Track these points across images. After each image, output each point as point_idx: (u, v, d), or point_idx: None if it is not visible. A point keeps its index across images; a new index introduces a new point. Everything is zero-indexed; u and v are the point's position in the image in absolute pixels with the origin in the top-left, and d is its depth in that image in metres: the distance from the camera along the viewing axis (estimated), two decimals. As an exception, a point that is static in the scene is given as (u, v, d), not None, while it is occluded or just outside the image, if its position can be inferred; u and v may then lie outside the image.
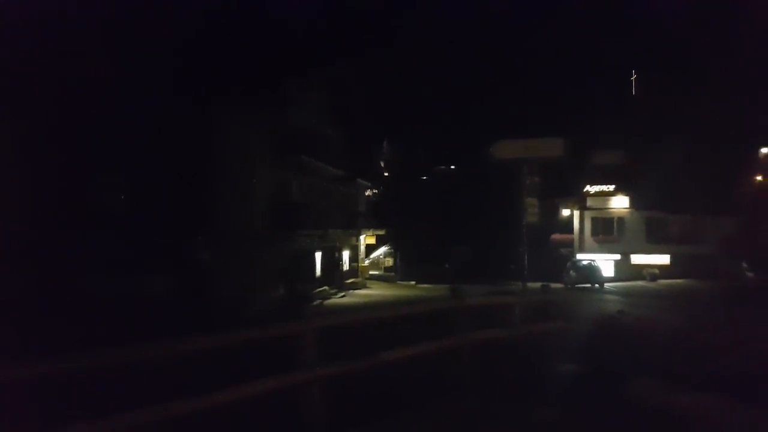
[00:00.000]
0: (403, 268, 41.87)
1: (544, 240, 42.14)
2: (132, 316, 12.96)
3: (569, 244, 41.07)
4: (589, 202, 39.54)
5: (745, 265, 32.60)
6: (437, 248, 40.91)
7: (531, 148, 9.47)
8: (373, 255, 44.85)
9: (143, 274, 17.72)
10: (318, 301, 25.77)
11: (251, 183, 22.04)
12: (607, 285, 32.43)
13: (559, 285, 31.13)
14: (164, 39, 18.46)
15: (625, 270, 37.37)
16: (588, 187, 39.55)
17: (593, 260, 34.72)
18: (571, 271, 32.95)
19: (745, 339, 9.54)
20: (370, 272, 40.35)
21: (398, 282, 39.18)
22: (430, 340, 7.41)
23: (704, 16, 47.36)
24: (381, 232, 40.52)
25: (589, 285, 31.55)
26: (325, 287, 28.36)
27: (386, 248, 45.32)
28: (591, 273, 32.36)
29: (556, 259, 38.34)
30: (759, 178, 42.64)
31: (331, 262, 30.94)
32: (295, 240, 24.30)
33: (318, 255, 28.82)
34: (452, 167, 50.55)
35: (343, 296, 29.32)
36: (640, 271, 36.94)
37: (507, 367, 8.26)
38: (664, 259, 37.48)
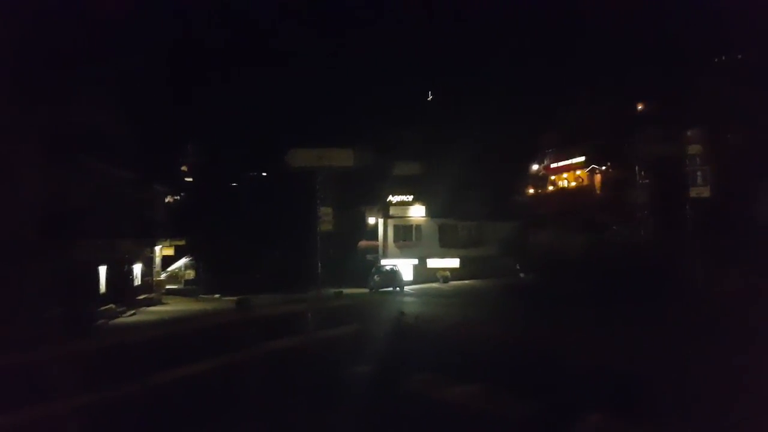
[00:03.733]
0: (207, 280, 39.71)
1: (352, 246, 43.76)
2: None
3: (375, 250, 43.06)
4: (392, 211, 41.92)
5: (518, 266, 37.37)
6: (247, 257, 39.69)
7: (324, 157, 9.63)
8: (172, 267, 41.79)
9: None
10: (102, 321, 23.12)
11: (16, 185, 18.88)
12: (407, 288, 34.33)
13: (365, 290, 32.41)
14: None
15: (422, 273, 40.29)
16: (390, 197, 41.94)
17: (395, 265, 36.66)
18: (375, 276, 34.24)
19: (507, 333, 10.83)
20: (168, 286, 37.47)
21: (200, 296, 37.03)
22: (213, 356, 7.03)
23: (495, 40, 53.70)
24: (180, 242, 37.94)
25: (391, 288, 33.03)
26: (112, 305, 25.53)
27: (187, 259, 42.56)
28: (393, 277, 33.94)
29: (363, 264, 39.96)
30: (531, 190, 49.74)
31: (120, 276, 27.98)
32: (74, 251, 21.41)
33: (103, 269, 25.83)
34: (263, 173, 49.65)
35: (134, 314, 26.72)
36: (435, 273, 40.14)
37: (301, 375, 8.22)
38: (454, 263, 41.29)
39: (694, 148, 18.76)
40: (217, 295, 36.18)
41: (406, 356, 8.90)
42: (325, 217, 9.99)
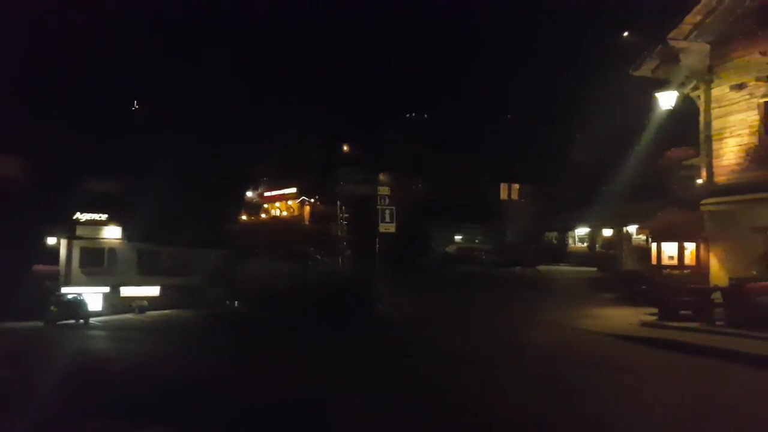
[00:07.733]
0: None
1: (26, 272, 36.66)
2: None
3: (56, 276, 37.02)
4: (79, 231, 36.87)
5: (225, 294, 36.43)
6: None
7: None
8: None
9: None
10: None
11: None
12: (94, 320, 30.74)
13: (40, 323, 27.50)
14: None
15: (114, 303, 36.19)
16: (78, 215, 36.88)
17: (79, 294, 32.46)
18: (53, 307, 29.90)
19: (200, 369, 10.25)
20: None
21: None
22: None
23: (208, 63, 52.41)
24: None
25: (73, 321, 29.25)
26: None
27: None
28: (75, 308, 30.30)
29: (40, 293, 33.83)
30: (244, 217, 49.87)
31: None
32: None
33: None
34: None
35: None
36: (130, 303, 36.44)
37: None
38: (154, 291, 38.04)
39: (383, 190, 21.29)
40: None
41: (78, 402, 7.61)
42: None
